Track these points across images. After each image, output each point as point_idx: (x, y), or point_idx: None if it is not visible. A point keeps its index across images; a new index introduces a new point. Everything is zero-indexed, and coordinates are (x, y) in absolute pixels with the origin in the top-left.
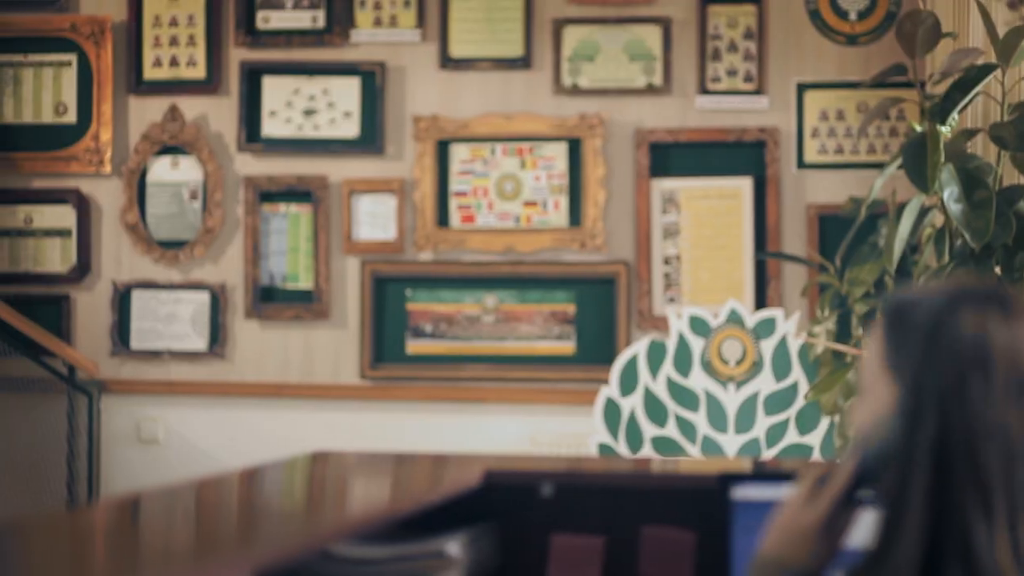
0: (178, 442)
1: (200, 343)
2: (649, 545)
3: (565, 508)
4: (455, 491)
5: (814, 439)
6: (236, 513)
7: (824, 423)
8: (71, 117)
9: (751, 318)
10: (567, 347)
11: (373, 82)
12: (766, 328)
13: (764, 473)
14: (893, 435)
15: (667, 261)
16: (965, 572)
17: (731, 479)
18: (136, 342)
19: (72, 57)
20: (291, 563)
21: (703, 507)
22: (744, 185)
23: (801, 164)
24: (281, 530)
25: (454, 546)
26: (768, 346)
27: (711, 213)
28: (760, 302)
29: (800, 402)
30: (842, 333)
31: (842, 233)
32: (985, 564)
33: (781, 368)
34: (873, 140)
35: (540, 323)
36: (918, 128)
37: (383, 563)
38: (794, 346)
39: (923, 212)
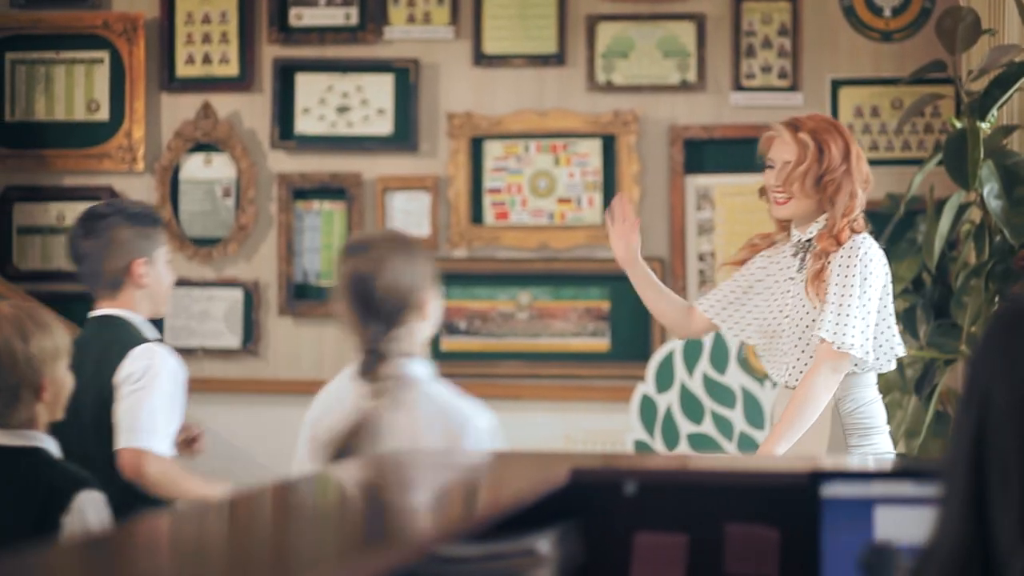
0: (212, 440)
1: (234, 340)
2: (733, 543)
3: (648, 506)
4: (547, 489)
5: None
6: (340, 516)
7: None
8: (103, 114)
9: None
10: (601, 344)
11: (407, 79)
12: None
13: (855, 471)
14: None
15: (701, 258)
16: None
17: (822, 476)
18: (169, 339)
19: (104, 54)
20: (409, 566)
21: (788, 504)
22: None
23: None
24: (396, 532)
25: (544, 544)
26: None
27: (745, 209)
28: None
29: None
30: None
31: (877, 229)
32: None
33: None
34: (907, 136)
35: (574, 320)
36: (957, 124)
37: (475, 561)
38: None
39: (962, 209)
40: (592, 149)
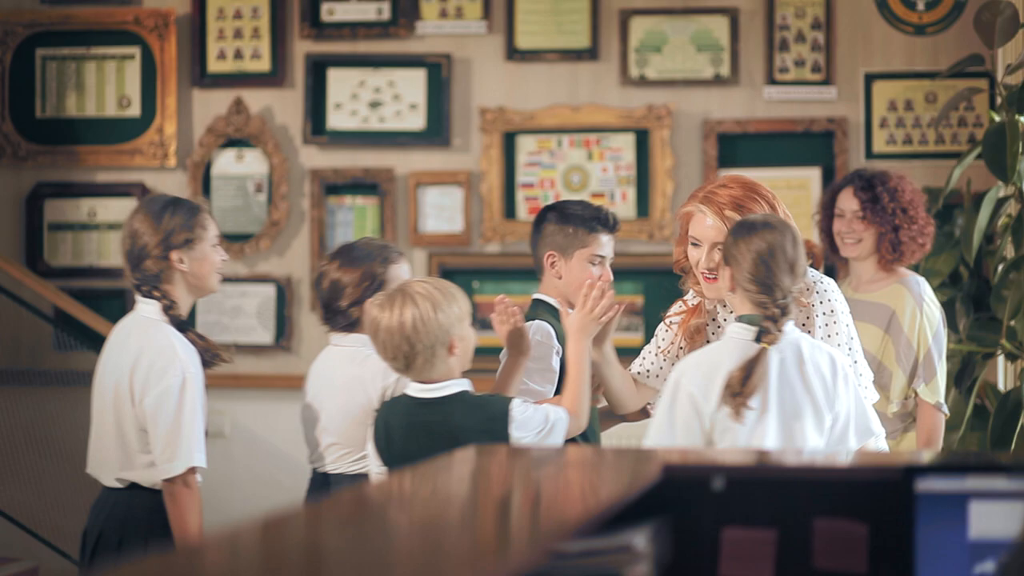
0: (244, 435)
1: (266, 336)
2: (822, 538)
3: (736, 501)
4: (644, 486)
5: None
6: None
7: None
8: (135, 110)
9: None
10: (635, 338)
11: (439, 74)
12: None
13: (950, 465)
14: None
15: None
16: None
17: (916, 471)
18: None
19: (135, 50)
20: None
21: (878, 499)
22: (813, 175)
23: (869, 154)
24: (524, 534)
25: (641, 540)
26: None
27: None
28: None
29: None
30: None
31: None
32: None
33: None
34: (941, 130)
35: None
36: (995, 118)
37: (574, 558)
38: None
39: (1000, 202)
40: (625, 144)
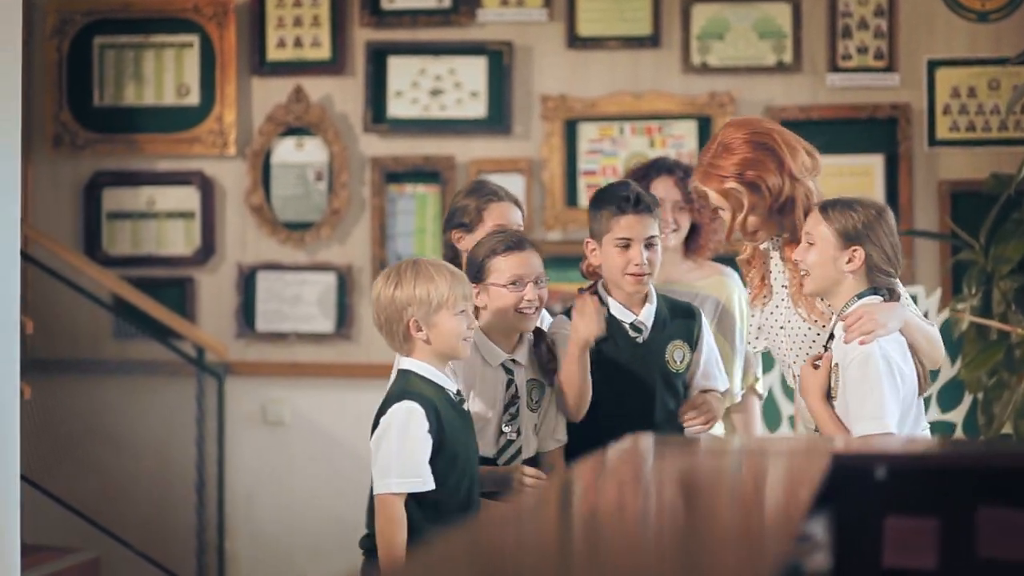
0: (304, 424)
1: (327, 325)
2: (987, 527)
3: (900, 490)
4: (824, 477)
5: (956, 416)
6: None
7: (967, 400)
8: (194, 99)
9: None
10: None
11: (500, 62)
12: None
13: None
14: None
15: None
16: None
17: None
18: (262, 324)
19: (194, 38)
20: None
21: None
22: (876, 162)
23: (933, 141)
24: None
25: (819, 529)
26: None
27: (843, 190)
28: None
29: (942, 379)
30: (984, 310)
31: (975, 210)
32: None
33: None
34: (1005, 117)
35: None
36: None
37: None
38: (936, 323)
39: None
40: (688, 131)
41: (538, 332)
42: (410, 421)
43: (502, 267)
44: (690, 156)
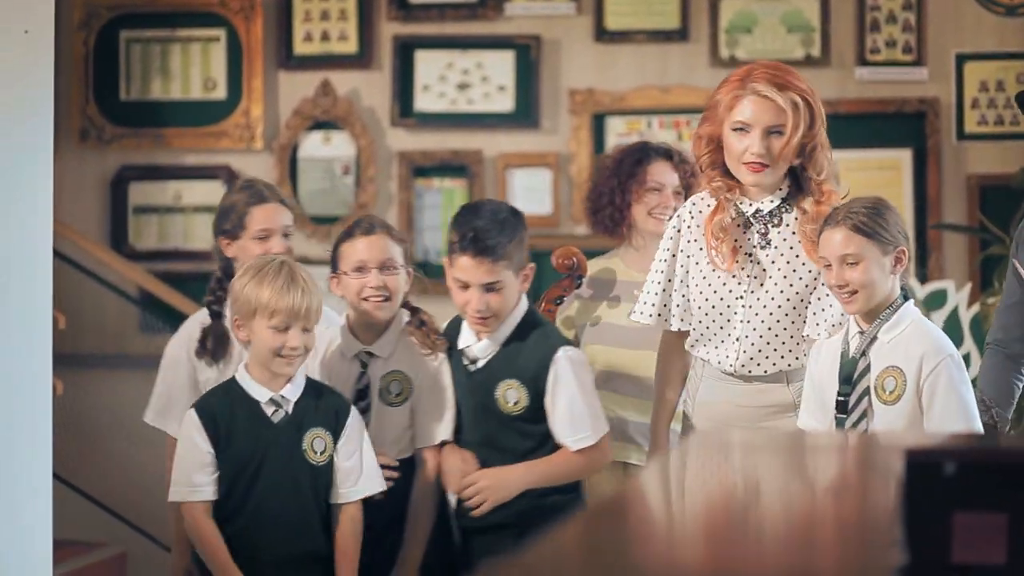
0: None
1: None
2: None
3: (968, 486)
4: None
5: None
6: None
7: None
8: (220, 93)
9: (921, 290)
10: None
11: (528, 55)
12: (937, 300)
13: None
14: None
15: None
16: None
17: None
18: None
19: (221, 32)
20: None
21: None
22: (904, 156)
23: (961, 135)
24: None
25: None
26: (939, 318)
27: (871, 185)
28: (921, 274)
29: (972, 373)
30: None
31: (1004, 204)
32: None
33: (953, 340)
34: None
35: None
36: None
37: None
38: (966, 317)
39: None
40: None
41: (414, 312)
42: (187, 429)
43: (347, 253)
44: None
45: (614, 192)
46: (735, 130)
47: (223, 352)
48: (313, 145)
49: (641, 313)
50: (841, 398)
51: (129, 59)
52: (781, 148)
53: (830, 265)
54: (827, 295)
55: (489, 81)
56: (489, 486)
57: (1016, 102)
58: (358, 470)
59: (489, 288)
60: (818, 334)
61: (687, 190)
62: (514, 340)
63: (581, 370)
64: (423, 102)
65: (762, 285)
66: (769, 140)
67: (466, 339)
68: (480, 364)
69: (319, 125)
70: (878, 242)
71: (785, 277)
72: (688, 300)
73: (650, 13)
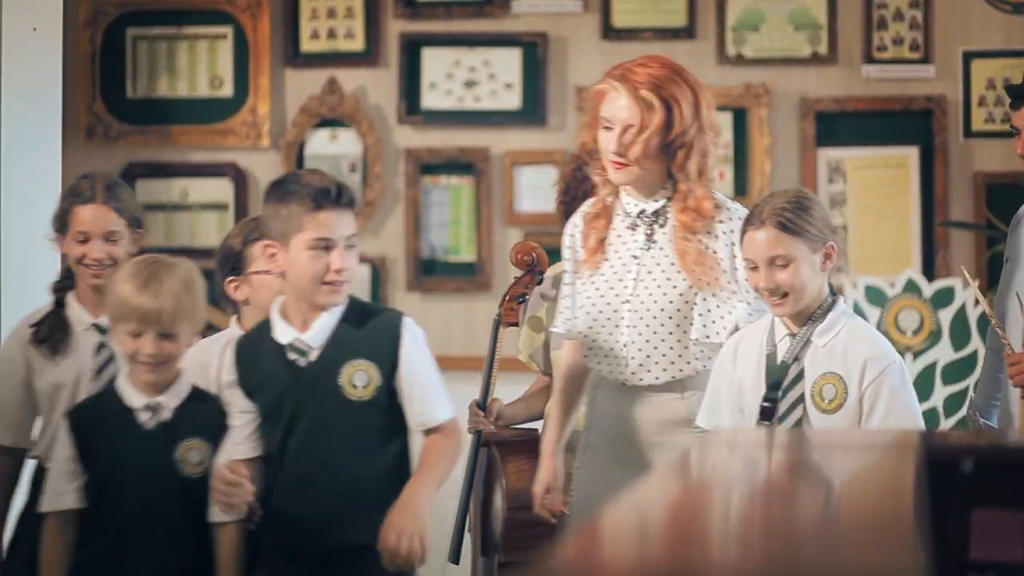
0: None
1: None
2: None
3: (986, 483)
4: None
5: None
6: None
7: None
8: (227, 90)
9: (928, 287)
10: None
11: (535, 53)
12: (944, 298)
13: None
14: None
15: (833, 231)
16: None
17: None
18: None
19: (228, 30)
20: None
21: None
22: (911, 154)
23: (968, 133)
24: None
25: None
26: (946, 316)
27: (878, 182)
28: (928, 272)
29: (979, 371)
30: None
31: (1011, 201)
32: None
33: (959, 338)
34: None
35: None
36: None
37: None
38: (973, 315)
39: None
40: (723, 122)
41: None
42: (61, 434)
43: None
44: (725, 147)
45: (587, 193)
46: (603, 127)
47: (62, 342)
48: (320, 143)
49: (556, 326)
50: (767, 404)
51: (136, 56)
52: (628, 146)
53: (756, 267)
54: (712, 296)
55: (496, 79)
56: (407, 528)
57: (1007, 91)
58: None
59: (349, 245)
60: (707, 336)
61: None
62: (346, 322)
63: (423, 341)
64: (430, 99)
65: (646, 288)
66: (626, 138)
67: (287, 332)
68: (314, 355)
69: (326, 123)
70: (807, 240)
71: (669, 279)
72: (577, 305)
73: (657, 11)
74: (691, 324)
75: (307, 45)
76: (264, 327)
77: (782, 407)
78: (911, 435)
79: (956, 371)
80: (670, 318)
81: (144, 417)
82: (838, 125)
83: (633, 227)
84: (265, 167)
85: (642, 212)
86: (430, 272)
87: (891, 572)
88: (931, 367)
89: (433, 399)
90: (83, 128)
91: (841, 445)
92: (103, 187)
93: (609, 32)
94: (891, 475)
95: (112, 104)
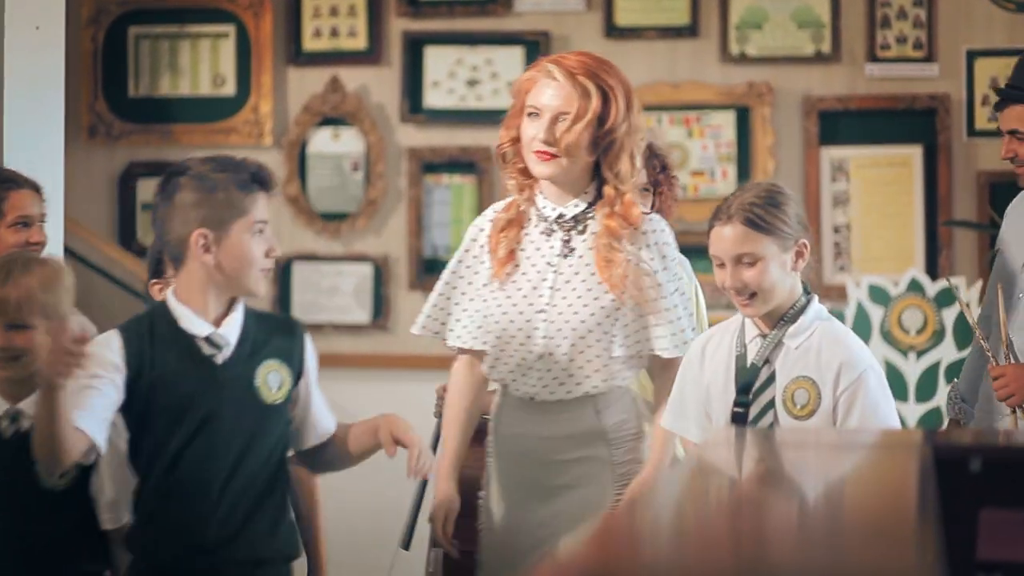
0: (340, 415)
1: (363, 316)
2: None
3: (994, 482)
4: (923, 470)
5: None
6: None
7: None
8: (229, 89)
9: (932, 287)
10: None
11: (537, 51)
12: (948, 297)
13: None
14: None
15: (836, 230)
16: None
17: None
18: (298, 315)
19: (230, 28)
20: None
21: None
22: (914, 153)
23: (971, 132)
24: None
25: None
26: (950, 315)
27: (881, 181)
28: (932, 271)
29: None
30: None
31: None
32: None
33: (963, 337)
34: None
35: (709, 294)
36: None
37: None
38: (976, 314)
39: None
40: (726, 121)
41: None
42: None
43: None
44: (728, 146)
45: None
46: (528, 115)
47: None
48: (322, 141)
49: (415, 323)
50: (739, 409)
51: (138, 55)
52: (562, 133)
53: (722, 264)
54: (638, 308)
55: (498, 77)
56: None
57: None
58: None
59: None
60: (631, 353)
61: (655, 187)
62: (248, 319)
63: None
64: (432, 98)
65: (564, 298)
66: (557, 127)
67: (200, 325)
68: (229, 351)
69: (328, 121)
70: (777, 238)
71: (590, 289)
72: (482, 316)
73: (660, 9)
74: (613, 339)
75: (309, 44)
76: (158, 316)
77: (752, 411)
78: (915, 435)
79: (959, 370)
80: (590, 331)
81: (3, 425)
82: (841, 124)
83: (549, 232)
84: (267, 166)
85: (560, 217)
86: (432, 271)
87: (893, 572)
88: (934, 366)
89: (326, 409)
90: (85, 127)
91: (842, 445)
92: None
93: (612, 31)
94: (895, 475)
95: (114, 103)
